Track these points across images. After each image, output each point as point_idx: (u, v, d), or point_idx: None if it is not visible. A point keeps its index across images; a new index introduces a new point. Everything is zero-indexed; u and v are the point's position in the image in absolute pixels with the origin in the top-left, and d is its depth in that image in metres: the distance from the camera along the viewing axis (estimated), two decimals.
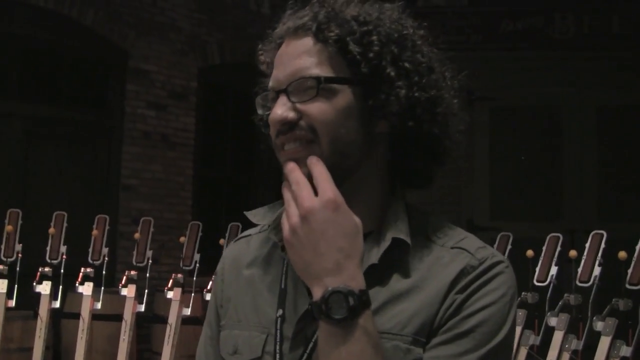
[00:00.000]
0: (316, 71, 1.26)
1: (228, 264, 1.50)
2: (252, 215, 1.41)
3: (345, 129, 1.26)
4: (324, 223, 1.14)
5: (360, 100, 1.27)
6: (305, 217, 1.15)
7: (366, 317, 1.13)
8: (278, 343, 1.29)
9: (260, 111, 1.36)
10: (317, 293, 1.14)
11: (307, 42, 1.28)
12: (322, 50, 1.27)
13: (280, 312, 1.32)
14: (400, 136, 1.30)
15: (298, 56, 1.28)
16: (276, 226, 1.35)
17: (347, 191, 1.23)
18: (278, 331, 1.30)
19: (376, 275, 1.26)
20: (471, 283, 1.25)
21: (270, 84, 1.31)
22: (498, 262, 1.27)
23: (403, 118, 1.27)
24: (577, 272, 4.70)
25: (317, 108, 1.25)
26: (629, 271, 4.44)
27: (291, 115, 1.26)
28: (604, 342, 4.32)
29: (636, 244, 4.49)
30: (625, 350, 4.26)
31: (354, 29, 1.26)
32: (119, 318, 5.61)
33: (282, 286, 1.35)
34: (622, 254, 4.48)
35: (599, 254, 4.62)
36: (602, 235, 4.66)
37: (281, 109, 1.27)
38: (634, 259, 4.45)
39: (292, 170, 1.21)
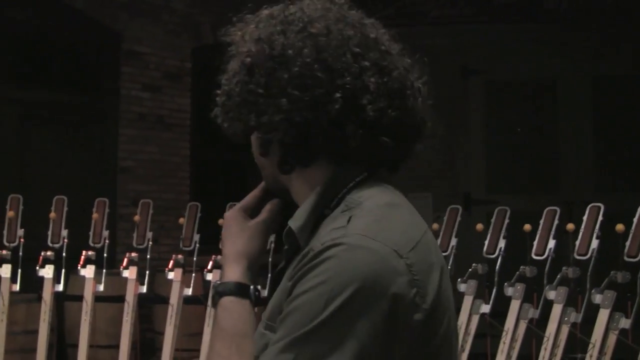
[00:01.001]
0: None
1: None
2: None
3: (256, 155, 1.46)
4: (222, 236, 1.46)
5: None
6: None
7: (219, 305, 1.36)
8: None
9: None
10: None
11: None
12: None
13: None
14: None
15: None
16: None
17: (292, 193, 1.43)
18: None
19: (289, 261, 1.37)
20: (301, 268, 1.22)
21: None
22: (333, 245, 1.20)
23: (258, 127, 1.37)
24: (575, 245, 4.72)
25: None
26: (627, 244, 4.45)
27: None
28: (603, 315, 4.34)
29: (634, 216, 4.50)
30: (624, 323, 4.28)
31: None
32: (121, 299, 5.66)
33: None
34: (620, 227, 4.50)
35: (597, 227, 4.63)
36: (599, 207, 4.67)
37: None
38: (632, 231, 4.46)
39: None
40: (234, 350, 1.28)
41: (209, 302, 5.58)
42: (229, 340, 1.29)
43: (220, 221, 5.86)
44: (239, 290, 1.35)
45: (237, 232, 1.41)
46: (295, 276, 1.22)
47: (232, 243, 1.40)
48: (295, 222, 1.32)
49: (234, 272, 1.37)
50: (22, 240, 5.50)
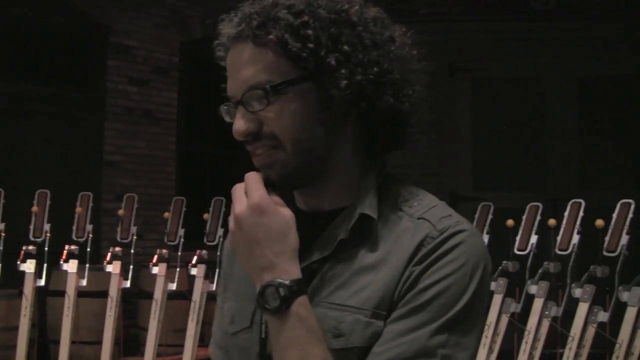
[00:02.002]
0: (262, 78, 1.27)
1: None
2: None
3: (305, 127, 1.29)
4: (253, 227, 1.26)
5: (314, 94, 1.28)
6: (238, 223, 1.27)
7: (299, 304, 1.24)
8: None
9: (227, 119, 1.37)
10: (257, 287, 1.26)
11: (249, 48, 1.28)
12: (264, 54, 1.27)
13: None
14: (364, 116, 1.32)
15: (243, 65, 1.29)
16: None
17: (324, 177, 1.34)
18: None
19: (346, 250, 1.31)
20: (429, 255, 1.25)
21: (228, 92, 1.34)
22: (459, 232, 1.27)
23: (357, 101, 1.28)
24: (556, 240, 4.75)
25: (272, 115, 1.28)
26: (607, 239, 4.50)
27: (252, 126, 1.30)
28: (582, 309, 4.39)
29: (613, 212, 4.54)
30: (603, 316, 4.33)
31: (289, 25, 1.26)
32: (104, 294, 5.64)
33: None
34: (600, 222, 4.54)
35: (578, 223, 4.67)
36: (580, 203, 4.71)
37: (241, 121, 1.31)
38: (611, 226, 4.51)
39: (246, 178, 1.31)
40: (328, 350, 1.24)
41: (194, 297, 5.58)
42: (323, 340, 1.24)
43: (206, 216, 5.87)
44: (305, 287, 1.27)
45: (287, 225, 1.28)
46: (424, 263, 1.25)
47: (286, 236, 1.27)
48: (373, 212, 1.30)
49: (296, 268, 1.27)
50: (3, 234, 5.47)
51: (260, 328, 1.35)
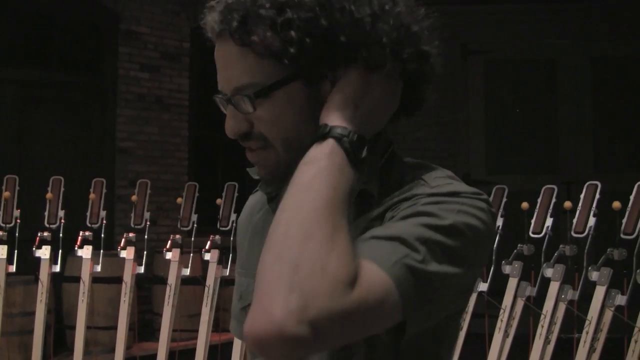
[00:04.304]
0: (245, 80, 1.22)
1: (246, 212, 1.56)
2: (252, 171, 1.41)
3: (293, 125, 1.24)
4: None
5: (302, 93, 1.22)
6: None
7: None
8: None
9: (222, 109, 1.33)
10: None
11: (232, 47, 1.22)
12: (245, 55, 1.21)
13: None
14: None
15: (227, 64, 1.25)
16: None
17: None
18: None
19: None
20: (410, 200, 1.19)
21: (218, 86, 1.29)
22: (456, 192, 1.18)
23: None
24: (572, 223, 4.71)
25: (261, 117, 1.24)
26: (624, 221, 4.45)
27: (243, 126, 1.27)
28: (599, 292, 4.35)
29: (630, 194, 4.50)
30: (620, 299, 4.29)
31: (271, 24, 1.17)
32: (119, 280, 5.64)
33: None
34: (617, 204, 4.49)
35: (594, 205, 4.62)
36: (596, 185, 4.66)
37: (231, 122, 1.28)
38: (629, 208, 4.46)
39: None
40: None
41: (207, 283, 5.57)
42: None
43: (219, 201, 5.85)
44: None
45: None
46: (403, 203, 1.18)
47: None
48: (373, 187, 1.24)
49: None
50: (18, 220, 5.48)
51: None
